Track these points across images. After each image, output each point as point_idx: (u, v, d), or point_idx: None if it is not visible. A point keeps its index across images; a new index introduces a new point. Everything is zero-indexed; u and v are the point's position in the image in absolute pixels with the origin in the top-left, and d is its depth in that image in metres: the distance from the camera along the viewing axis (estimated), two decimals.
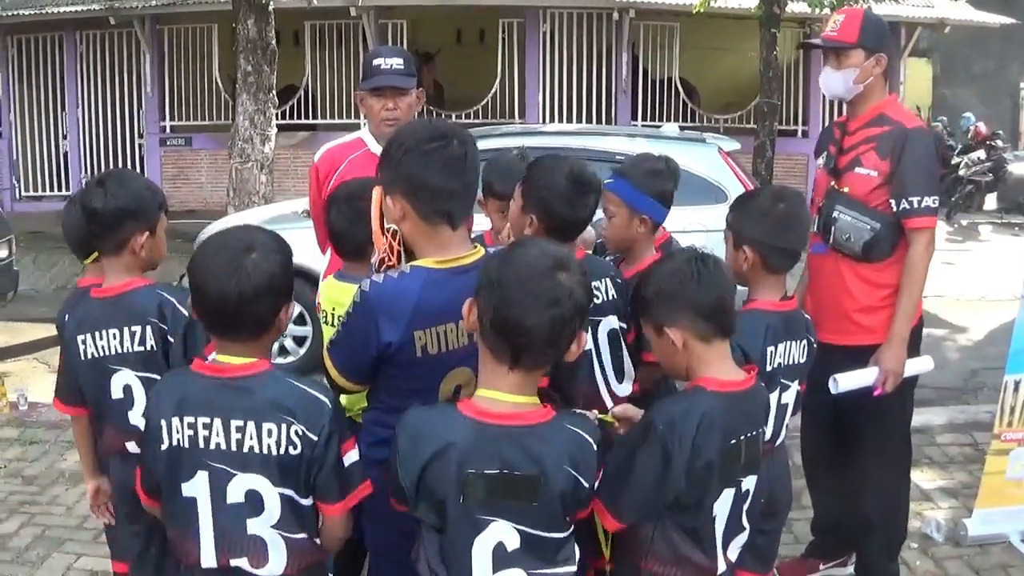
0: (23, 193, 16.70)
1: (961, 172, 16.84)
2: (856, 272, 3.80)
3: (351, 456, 2.36)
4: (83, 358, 2.93)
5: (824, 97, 16.36)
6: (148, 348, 2.86)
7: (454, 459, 2.07)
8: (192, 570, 2.35)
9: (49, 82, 16.49)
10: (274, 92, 9.60)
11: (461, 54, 17.28)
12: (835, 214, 3.77)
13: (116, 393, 2.90)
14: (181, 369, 2.47)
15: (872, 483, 3.96)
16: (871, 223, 3.72)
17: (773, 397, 2.88)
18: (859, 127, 3.83)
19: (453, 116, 15.17)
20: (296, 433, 2.25)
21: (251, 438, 2.26)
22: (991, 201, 17.60)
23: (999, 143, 17.60)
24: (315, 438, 2.27)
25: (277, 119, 9.97)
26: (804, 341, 3.03)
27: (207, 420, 2.27)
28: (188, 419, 2.28)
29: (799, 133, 16.45)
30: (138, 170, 16.32)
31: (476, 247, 2.54)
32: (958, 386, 7.31)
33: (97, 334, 2.90)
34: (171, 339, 2.87)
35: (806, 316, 3.21)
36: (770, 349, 2.87)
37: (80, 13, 15.38)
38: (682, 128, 9.85)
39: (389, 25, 16.10)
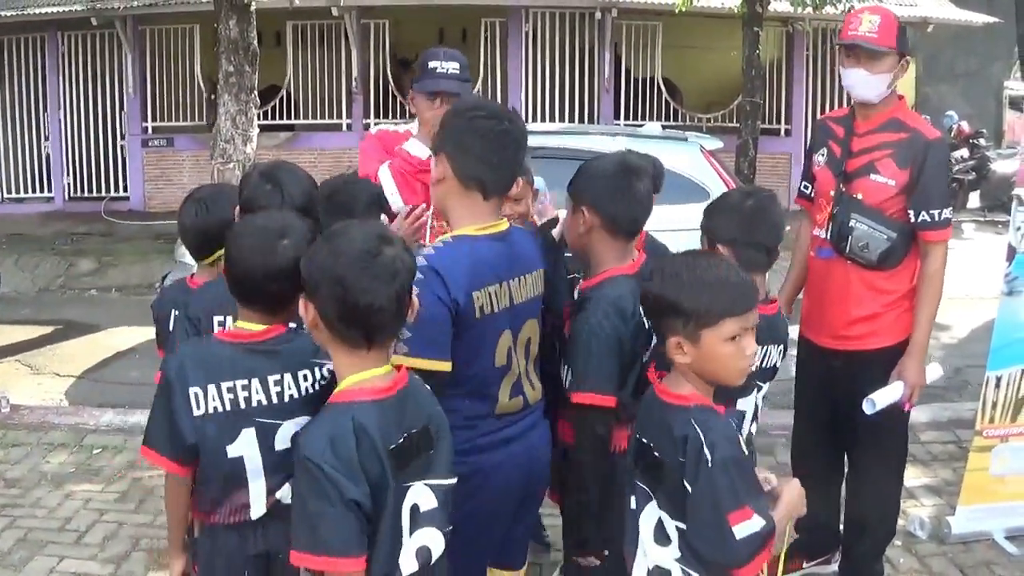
0: (5, 195, 16.56)
1: None
2: (864, 279, 3.76)
3: None
4: None
5: (806, 96, 16.51)
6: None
7: (376, 442, 2.12)
8: (236, 526, 2.49)
9: (31, 83, 16.37)
10: (256, 92, 9.53)
11: None
12: (852, 223, 3.69)
13: None
14: (202, 340, 2.64)
15: (868, 483, 3.96)
16: (888, 232, 3.67)
17: (749, 399, 2.91)
18: (870, 130, 3.73)
19: None
20: (328, 370, 2.47)
21: (290, 387, 2.48)
22: (974, 199, 17.65)
23: (982, 142, 17.64)
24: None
25: (259, 119, 9.91)
26: (782, 345, 3.04)
27: (245, 382, 2.44)
28: (226, 384, 2.43)
29: (782, 132, 16.54)
30: (120, 171, 16.30)
31: (503, 218, 2.74)
32: (941, 384, 7.31)
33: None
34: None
35: (787, 321, 3.18)
36: None
37: (62, 14, 15.27)
38: (664, 127, 9.86)
39: (371, 25, 16.10)
